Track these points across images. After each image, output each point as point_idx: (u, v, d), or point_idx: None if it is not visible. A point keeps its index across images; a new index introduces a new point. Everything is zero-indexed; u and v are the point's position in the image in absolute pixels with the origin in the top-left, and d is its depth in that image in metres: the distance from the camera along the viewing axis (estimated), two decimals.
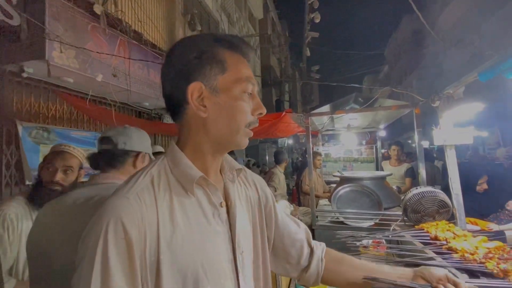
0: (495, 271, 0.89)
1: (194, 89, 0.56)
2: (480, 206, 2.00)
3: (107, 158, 0.97)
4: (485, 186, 2.14)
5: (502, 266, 0.88)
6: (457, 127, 1.49)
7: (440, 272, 0.69)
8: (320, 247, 0.79)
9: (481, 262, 0.93)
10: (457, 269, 0.95)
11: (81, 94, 3.59)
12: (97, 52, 3.09)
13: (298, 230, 0.79)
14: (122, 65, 3.54)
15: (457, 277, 0.90)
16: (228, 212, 0.62)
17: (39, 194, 1.28)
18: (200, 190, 0.58)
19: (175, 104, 0.60)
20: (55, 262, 0.77)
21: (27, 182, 2.96)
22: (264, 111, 0.62)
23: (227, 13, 8.21)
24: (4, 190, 2.85)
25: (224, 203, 0.61)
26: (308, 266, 0.76)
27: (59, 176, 1.30)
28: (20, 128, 3.04)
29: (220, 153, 0.63)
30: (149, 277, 0.48)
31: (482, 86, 1.25)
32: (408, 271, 0.72)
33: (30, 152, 3.04)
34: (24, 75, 2.95)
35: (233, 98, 0.57)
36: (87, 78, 3.17)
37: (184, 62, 0.58)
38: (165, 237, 0.50)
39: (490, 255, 0.96)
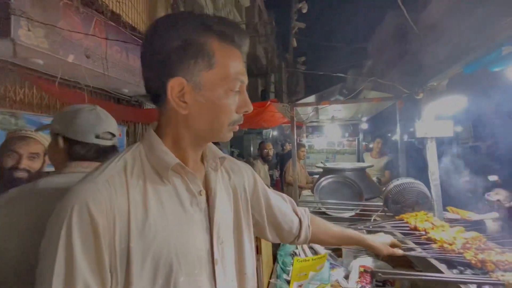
0: (473, 261, 0.90)
1: (174, 85, 0.51)
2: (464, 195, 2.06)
3: (110, 154, 0.88)
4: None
5: (480, 256, 0.90)
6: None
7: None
8: (306, 215, 0.86)
9: (459, 252, 0.95)
10: (437, 259, 0.96)
11: (52, 78, 3.34)
12: (70, 31, 2.86)
13: (286, 205, 0.83)
14: (98, 48, 3.31)
15: (437, 267, 0.92)
16: (208, 201, 0.59)
17: (6, 182, 1.14)
18: (178, 178, 0.56)
19: (155, 93, 0.55)
20: (7, 262, 0.68)
21: None
22: (250, 108, 0.58)
23: None
24: None
25: (203, 192, 0.59)
26: (299, 235, 0.83)
27: (24, 163, 1.19)
28: None
29: (200, 146, 0.61)
30: (118, 266, 0.46)
31: (463, 80, 1.25)
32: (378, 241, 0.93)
33: None
34: None
35: (216, 97, 0.53)
36: (58, 60, 2.94)
37: (166, 52, 0.51)
38: (136, 224, 0.48)
39: (468, 245, 0.98)
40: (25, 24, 2.60)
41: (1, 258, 0.68)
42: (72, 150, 0.84)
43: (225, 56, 0.53)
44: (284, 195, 0.86)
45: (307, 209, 0.89)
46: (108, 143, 0.89)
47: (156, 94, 0.55)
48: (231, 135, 0.59)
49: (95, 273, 0.43)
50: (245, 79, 0.57)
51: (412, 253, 0.94)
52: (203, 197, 0.58)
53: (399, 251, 0.95)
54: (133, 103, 4.86)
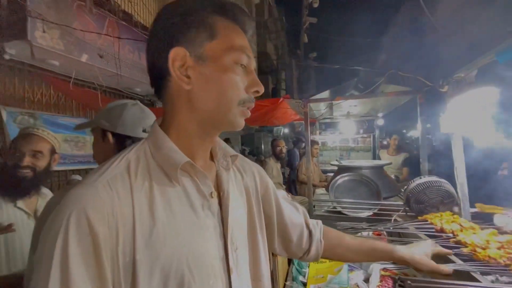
0: None
1: (176, 56, 0.47)
2: (501, 191, 1.91)
3: None
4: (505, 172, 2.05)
5: None
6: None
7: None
8: (318, 228, 0.78)
9: (506, 265, 0.85)
10: (482, 273, 0.84)
11: (67, 78, 3.41)
12: (83, 31, 2.90)
13: (298, 215, 0.76)
14: (111, 47, 3.35)
15: (472, 275, 0.84)
16: (220, 203, 0.54)
17: (10, 180, 1.14)
18: (187, 178, 0.50)
19: (157, 76, 0.51)
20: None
21: None
22: (262, 89, 0.53)
23: None
24: None
25: (215, 193, 0.53)
26: (308, 249, 0.76)
27: (27, 161, 1.16)
28: (4, 113, 2.89)
29: (209, 135, 0.54)
30: (122, 281, 0.40)
31: (498, 69, 1.15)
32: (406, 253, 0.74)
33: None
34: (6, 57, 2.77)
35: (222, 68, 0.48)
36: (73, 60, 3.00)
37: (166, 27, 0.49)
38: (142, 233, 0.43)
39: (503, 250, 0.89)
40: (41, 26, 2.65)
41: None
42: (123, 145, 0.84)
43: (227, 28, 0.50)
44: (298, 205, 0.79)
45: (320, 221, 0.81)
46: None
47: (158, 76, 0.50)
48: (242, 122, 0.52)
49: None
50: (252, 57, 0.52)
51: (453, 265, 0.80)
52: (215, 199, 0.53)
53: (445, 269, 0.73)
54: (145, 102, 4.91)
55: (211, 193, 0.52)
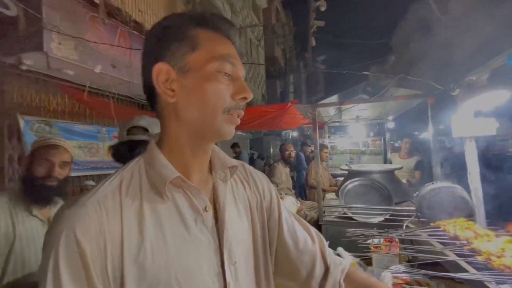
0: None
1: (159, 71, 0.49)
2: None
3: (142, 148, 0.91)
4: None
5: None
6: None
7: None
8: (339, 267, 0.64)
9: None
10: (497, 283, 0.82)
11: (82, 87, 3.53)
12: (97, 43, 3.00)
13: (309, 240, 0.64)
14: (123, 56, 3.45)
15: (486, 285, 0.81)
16: (216, 216, 0.54)
17: (37, 190, 1.18)
18: (179, 193, 0.50)
19: (149, 92, 0.52)
20: None
21: None
22: (249, 95, 0.52)
23: (230, 3, 8.02)
24: (7, 185, 2.83)
25: (210, 207, 0.52)
26: None
27: (57, 171, 1.21)
28: (21, 122, 3.00)
29: (201, 147, 0.54)
30: None
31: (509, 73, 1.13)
32: None
33: None
34: (23, 67, 2.89)
35: (204, 78, 0.49)
36: (87, 70, 3.10)
37: (152, 44, 0.51)
38: (130, 250, 0.44)
39: None
40: (56, 37, 2.76)
41: None
42: (120, 153, 0.95)
43: (208, 38, 0.50)
44: (314, 232, 0.67)
45: (345, 260, 0.67)
46: (141, 137, 0.91)
47: (149, 92, 0.52)
48: (231, 131, 0.52)
49: None
50: (237, 64, 0.52)
51: (467, 275, 0.77)
52: (210, 213, 0.52)
53: None
54: None
55: (206, 207, 0.52)
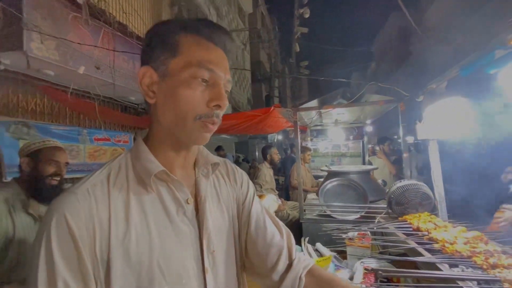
0: (484, 266, 0.89)
1: (143, 74, 0.54)
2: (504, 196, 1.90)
3: None
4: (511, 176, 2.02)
5: (492, 260, 0.89)
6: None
7: None
8: (303, 263, 0.65)
9: (468, 257, 0.95)
10: (450, 266, 0.93)
11: (62, 88, 3.45)
12: (79, 44, 2.97)
13: (277, 234, 0.67)
14: (106, 57, 3.42)
15: (440, 268, 0.93)
16: (197, 208, 0.58)
17: (43, 188, 1.27)
18: (163, 186, 0.55)
19: (142, 94, 0.58)
20: None
21: (4, 180, 2.83)
22: (224, 103, 0.53)
23: (216, 7, 8.08)
24: None
25: (192, 200, 0.57)
26: (279, 283, 0.63)
27: (63, 171, 1.36)
28: None
29: (183, 148, 0.58)
30: (101, 275, 0.47)
31: (464, 81, 1.28)
32: None
33: (9, 148, 2.90)
34: (1, 67, 2.80)
35: (178, 83, 0.51)
36: (69, 70, 3.05)
37: (143, 47, 0.57)
38: (116, 234, 0.48)
39: (474, 249, 0.98)
40: (37, 37, 2.71)
41: None
42: None
43: (190, 45, 0.52)
44: (284, 228, 0.70)
45: (311, 259, 0.71)
46: None
47: (142, 94, 0.56)
48: (204, 137, 0.54)
49: (78, 280, 0.44)
50: (218, 70, 0.53)
51: (422, 258, 0.91)
52: (191, 205, 0.56)
53: None
54: (139, 111, 4.96)
55: (188, 199, 0.56)
